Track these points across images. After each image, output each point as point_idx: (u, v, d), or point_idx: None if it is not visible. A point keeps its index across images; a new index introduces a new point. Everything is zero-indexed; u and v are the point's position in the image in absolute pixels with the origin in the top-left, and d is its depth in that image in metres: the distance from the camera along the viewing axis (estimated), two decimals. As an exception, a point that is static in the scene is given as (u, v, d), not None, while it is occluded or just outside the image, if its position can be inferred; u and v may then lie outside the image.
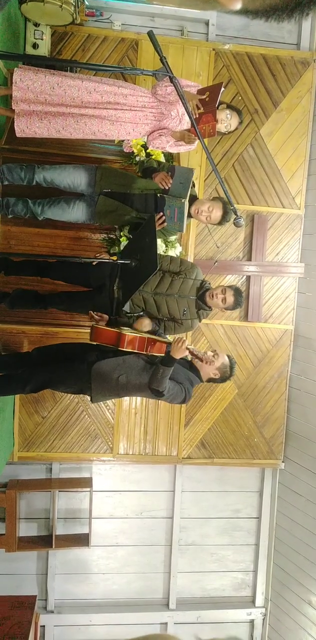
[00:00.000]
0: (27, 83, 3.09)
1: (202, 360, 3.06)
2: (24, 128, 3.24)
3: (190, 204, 3.48)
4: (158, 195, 3.42)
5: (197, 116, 3.16)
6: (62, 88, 3.10)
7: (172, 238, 3.96)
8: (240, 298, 3.45)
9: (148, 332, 3.27)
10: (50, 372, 3.30)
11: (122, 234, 3.89)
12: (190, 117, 2.74)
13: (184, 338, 3.00)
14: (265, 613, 5.78)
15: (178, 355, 2.96)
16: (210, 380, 3.34)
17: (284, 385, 5.46)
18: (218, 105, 3.27)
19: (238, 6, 0.55)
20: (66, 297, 3.74)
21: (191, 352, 3.01)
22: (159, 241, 3.85)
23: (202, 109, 3.17)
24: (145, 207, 3.48)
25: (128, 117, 3.28)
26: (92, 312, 3.32)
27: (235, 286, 3.50)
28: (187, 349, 2.97)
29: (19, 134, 3.27)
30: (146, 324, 3.31)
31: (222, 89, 3.23)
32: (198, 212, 3.45)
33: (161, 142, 3.40)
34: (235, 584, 5.85)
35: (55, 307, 3.84)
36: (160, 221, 3.33)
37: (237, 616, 5.78)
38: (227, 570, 5.80)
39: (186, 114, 2.95)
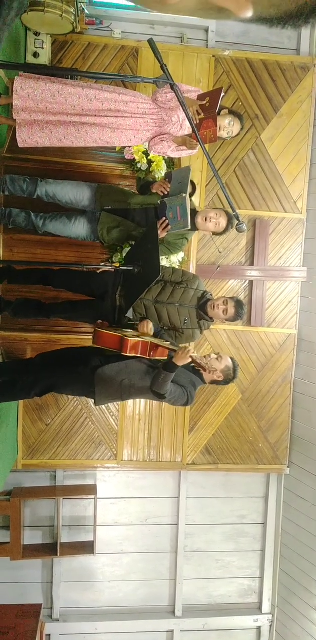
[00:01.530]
0: (28, 91, 3.11)
1: (205, 370, 3.07)
2: (26, 138, 3.26)
3: (194, 216, 3.49)
4: (159, 202, 3.44)
5: (198, 122, 3.17)
6: (62, 96, 3.12)
7: (180, 256, 3.98)
8: (241, 310, 3.46)
9: (150, 336, 3.28)
10: (55, 376, 3.32)
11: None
12: (191, 123, 2.74)
13: (189, 347, 2.99)
14: (272, 620, 5.74)
15: (181, 362, 2.97)
16: (213, 382, 3.35)
17: (288, 390, 5.44)
18: (220, 111, 3.29)
19: (250, 14, 0.55)
20: (69, 306, 3.76)
21: (194, 361, 3.01)
22: (163, 256, 3.88)
23: (202, 114, 3.18)
24: (146, 220, 3.50)
25: (129, 124, 3.30)
26: (99, 322, 3.32)
27: (236, 297, 3.52)
28: (191, 357, 2.98)
29: (21, 145, 3.29)
30: (150, 327, 3.32)
31: (222, 94, 3.24)
32: (206, 220, 3.45)
33: (162, 147, 3.41)
34: (241, 591, 5.81)
35: (57, 316, 3.86)
36: (164, 226, 3.33)
37: (243, 623, 5.75)
38: (233, 577, 5.77)
39: (187, 120, 2.96)
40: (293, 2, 0.55)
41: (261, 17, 0.58)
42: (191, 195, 3.79)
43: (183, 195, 3.30)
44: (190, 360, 2.99)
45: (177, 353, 2.96)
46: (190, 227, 3.36)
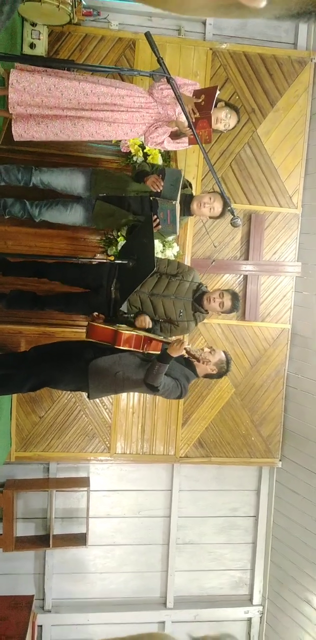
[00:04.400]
0: (24, 84, 3.08)
1: (199, 361, 3.09)
2: (21, 133, 3.24)
3: (189, 202, 3.49)
4: (151, 198, 3.44)
5: (193, 121, 3.15)
6: (58, 89, 3.10)
7: (170, 238, 3.97)
8: (237, 302, 3.47)
9: (144, 330, 3.29)
10: (48, 370, 3.31)
11: (119, 234, 3.90)
12: (187, 118, 2.74)
13: (183, 339, 3.02)
14: (263, 611, 5.80)
15: (175, 354, 2.98)
16: (206, 375, 3.36)
17: (281, 384, 5.47)
18: (216, 103, 3.27)
19: (262, 4, 0.53)
20: (63, 298, 3.75)
21: (188, 352, 3.03)
22: (157, 242, 3.86)
23: (197, 113, 3.16)
24: (141, 209, 3.49)
25: (125, 118, 3.28)
26: (94, 314, 3.33)
27: (232, 290, 3.52)
28: (184, 349, 2.99)
29: (16, 139, 3.27)
30: (148, 321, 3.33)
31: (217, 92, 3.22)
32: (200, 206, 3.45)
33: (158, 135, 3.38)
34: (233, 583, 5.86)
35: (52, 308, 3.85)
36: (155, 224, 3.33)
37: (234, 614, 5.80)
38: (225, 569, 5.82)
39: (182, 114, 2.94)
40: None
41: (275, 16, 0.57)
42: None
43: (174, 202, 3.30)
44: (184, 352, 3.01)
45: (171, 344, 2.97)
46: (178, 234, 3.37)
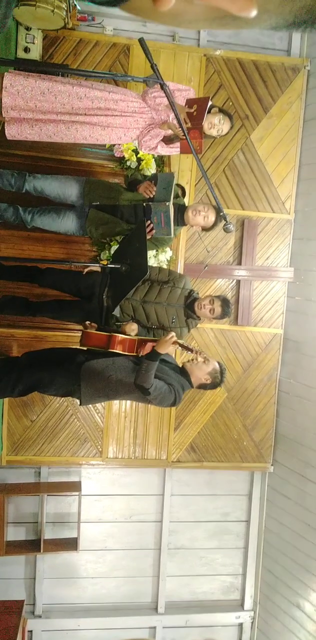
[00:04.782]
0: (17, 88, 3.08)
1: (192, 352, 3.08)
2: (14, 134, 3.24)
3: (182, 212, 3.51)
4: (144, 204, 3.45)
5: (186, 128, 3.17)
6: (52, 94, 3.10)
7: (168, 254, 4.00)
8: (228, 308, 3.48)
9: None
10: (39, 373, 3.29)
11: (112, 239, 3.91)
12: (180, 125, 2.75)
13: (173, 334, 3.01)
14: (254, 616, 5.80)
15: (163, 349, 2.97)
16: (200, 386, 3.36)
17: (273, 389, 5.49)
18: (210, 109, 3.29)
19: (253, 14, 0.52)
20: (56, 305, 3.75)
21: (181, 345, 3.03)
22: (150, 253, 3.88)
23: (189, 123, 3.18)
24: (135, 217, 3.50)
25: (118, 123, 3.29)
26: (87, 323, 3.32)
27: (223, 296, 3.54)
28: (177, 343, 2.99)
29: (9, 138, 3.26)
30: (134, 327, 3.33)
31: (209, 103, 3.24)
32: (195, 214, 3.47)
33: (151, 138, 3.38)
34: (224, 588, 5.86)
35: (45, 315, 3.84)
36: (148, 229, 3.34)
37: (225, 619, 5.79)
38: (216, 574, 5.81)
39: (176, 120, 2.95)
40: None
41: (271, 26, 0.56)
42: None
43: (167, 203, 3.31)
44: (172, 348, 3.01)
45: (159, 340, 2.97)
46: (172, 236, 3.38)
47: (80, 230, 3.67)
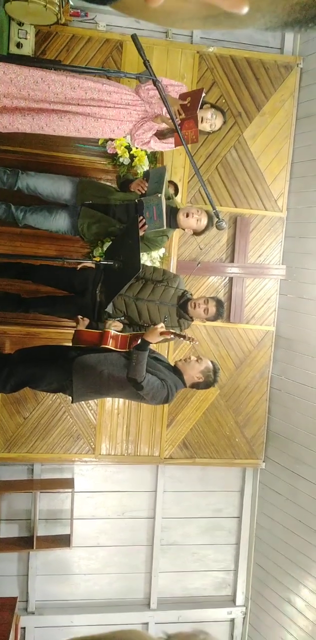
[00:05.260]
0: (11, 76, 3.06)
1: (184, 338, 3.09)
2: (6, 125, 3.22)
3: (175, 213, 3.51)
4: (137, 200, 3.45)
5: (179, 122, 3.17)
6: (45, 83, 3.08)
7: (161, 252, 3.99)
8: (222, 309, 3.51)
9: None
10: (31, 368, 3.29)
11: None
12: (173, 120, 2.75)
13: (162, 324, 3.03)
14: (246, 612, 5.83)
15: (152, 338, 2.99)
16: (193, 385, 3.36)
17: (265, 386, 5.51)
18: (202, 105, 3.29)
19: (245, 10, 0.50)
20: (48, 301, 3.75)
21: (173, 334, 3.05)
22: (145, 256, 3.89)
23: (183, 114, 3.18)
24: (127, 216, 3.51)
25: (112, 115, 3.27)
26: (79, 317, 3.32)
27: (217, 297, 3.57)
28: (169, 332, 3.01)
29: (1, 130, 3.24)
30: (116, 324, 3.34)
31: (203, 94, 3.24)
32: (188, 216, 3.47)
33: (144, 132, 3.37)
34: (216, 584, 5.89)
35: (37, 311, 3.84)
36: (141, 224, 3.34)
37: (217, 615, 5.82)
38: (208, 570, 5.84)
39: (169, 115, 2.95)
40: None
41: (267, 27, 0.55)
42: (174, 195, 3.80)
43: (159, 195, 3.32)
44: (161, 337, 3.03)
45: (147, 330, 2.99)
46: (165, 227, 3.39)
47: (72, 230, 3.66)
